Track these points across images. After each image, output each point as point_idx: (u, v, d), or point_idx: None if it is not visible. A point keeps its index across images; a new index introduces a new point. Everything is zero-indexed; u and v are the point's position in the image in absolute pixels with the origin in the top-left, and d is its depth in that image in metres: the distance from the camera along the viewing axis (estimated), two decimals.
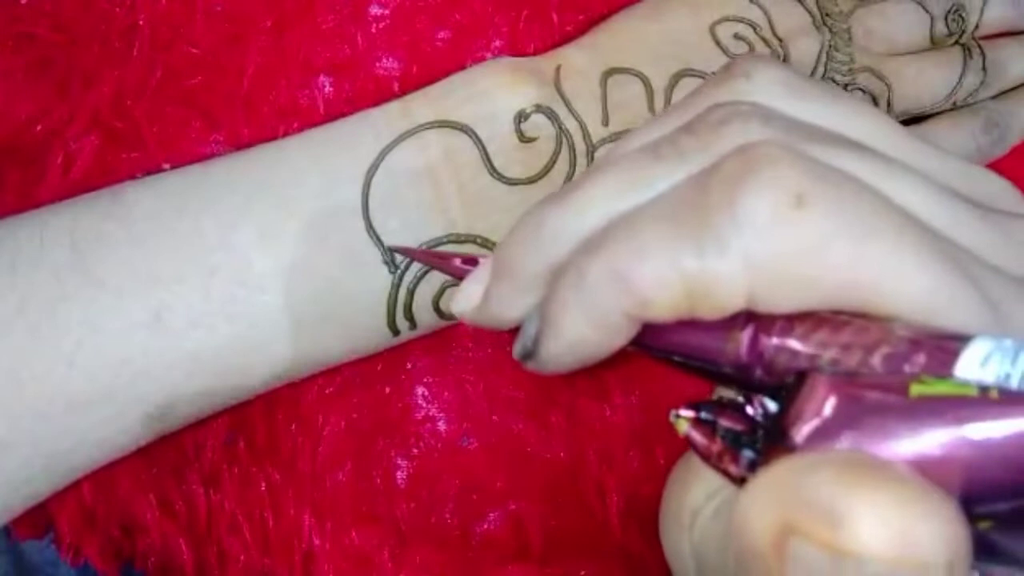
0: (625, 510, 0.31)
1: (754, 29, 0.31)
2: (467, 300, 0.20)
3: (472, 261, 0.23)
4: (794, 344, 0.16)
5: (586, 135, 0.29)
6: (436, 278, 0.27)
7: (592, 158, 0.28)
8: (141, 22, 0.29)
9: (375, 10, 0.30)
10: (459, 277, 0.22)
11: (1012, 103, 0.34)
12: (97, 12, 0.29)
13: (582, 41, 0.31)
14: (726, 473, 0.17)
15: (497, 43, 0.31)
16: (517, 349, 0.19)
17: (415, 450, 0.31)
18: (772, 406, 0.16)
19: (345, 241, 0.27)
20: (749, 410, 0.17)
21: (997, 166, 0.30)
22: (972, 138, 0.33)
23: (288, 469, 0.30)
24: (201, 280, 0.26)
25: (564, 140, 0.28)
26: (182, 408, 0.27)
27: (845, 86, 0.32)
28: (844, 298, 0.15)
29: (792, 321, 0.16)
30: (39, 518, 0.31)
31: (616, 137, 0.29)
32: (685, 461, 0.19)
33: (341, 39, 0.30)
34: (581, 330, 0.17)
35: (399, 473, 0.31)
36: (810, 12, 0.32)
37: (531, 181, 0.28)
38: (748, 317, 0.16)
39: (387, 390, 0.31)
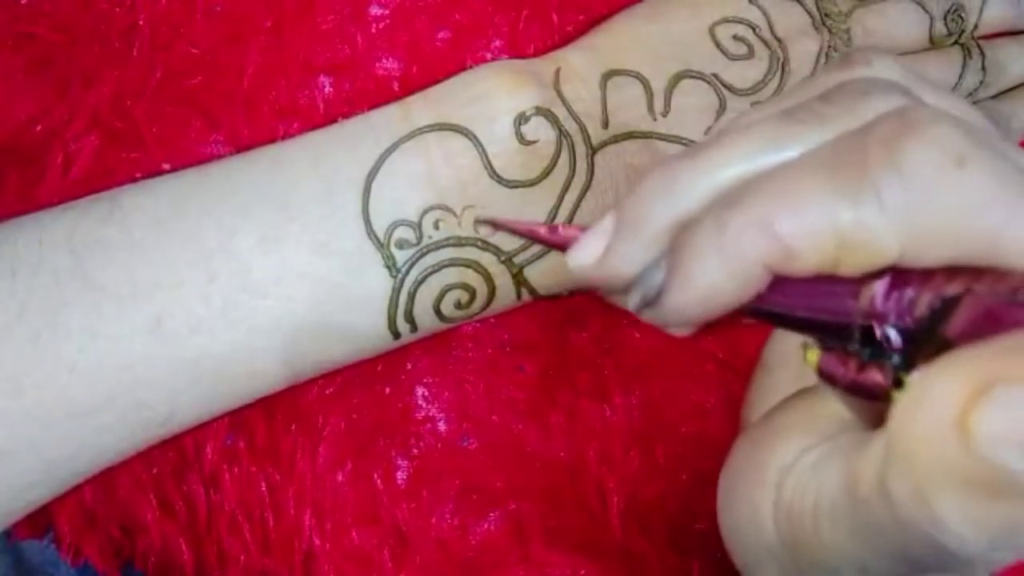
0: (625, 510, 0.31)
1: (753, 30, 0.31)
2: (586, 254, 0.20)
3: (554, 229, 0.23)
4: (939, 288, 0.16)
5: (586, 137, 0.29)
6: (436, 281, 0.27)
7: (592, 160, 0.28)
8: (141, 22, 0.29)
9: (375, 10, 0.30)
10: (547, 243, 0.22)
11: (1012, 103, 0.34)
12: (97, 12, 0.29)
13: (582, 42, 0.31)
14: (866, 388, 0.17)
15: (497, 43, 0.31)
16: (635, 299, 0.19)
17: (415, 450, 0.31)
18: (897, 335, 0.17)
19: (346, 245, 0.27)
20: (877, 334, 0.17)
21: None
22: None
23: (288, 469, 0.30)
24: (201, 286, 0.26)
25: (564, 142, 0.28)
26: (183, 413, 0.27)
27: None
28: (987, 255, 0.16)
29: (930, 271, 0.16)
30: (39, 518, 0.31)
31: (616, 139, 0.29)
32: (760, 426, 0.20)
33: (341, 39, 0.30)
34: (713, 279, 0.17)
35: (399, 473, 0.31)
36: (809, 13, 0.32)
37: (532, 183, 0.28)
38: (880, 270, 0.17)
39: (387, 390, 0.31)
